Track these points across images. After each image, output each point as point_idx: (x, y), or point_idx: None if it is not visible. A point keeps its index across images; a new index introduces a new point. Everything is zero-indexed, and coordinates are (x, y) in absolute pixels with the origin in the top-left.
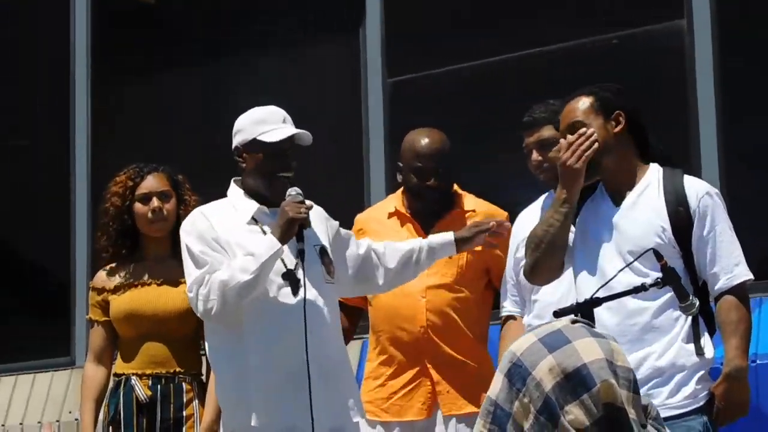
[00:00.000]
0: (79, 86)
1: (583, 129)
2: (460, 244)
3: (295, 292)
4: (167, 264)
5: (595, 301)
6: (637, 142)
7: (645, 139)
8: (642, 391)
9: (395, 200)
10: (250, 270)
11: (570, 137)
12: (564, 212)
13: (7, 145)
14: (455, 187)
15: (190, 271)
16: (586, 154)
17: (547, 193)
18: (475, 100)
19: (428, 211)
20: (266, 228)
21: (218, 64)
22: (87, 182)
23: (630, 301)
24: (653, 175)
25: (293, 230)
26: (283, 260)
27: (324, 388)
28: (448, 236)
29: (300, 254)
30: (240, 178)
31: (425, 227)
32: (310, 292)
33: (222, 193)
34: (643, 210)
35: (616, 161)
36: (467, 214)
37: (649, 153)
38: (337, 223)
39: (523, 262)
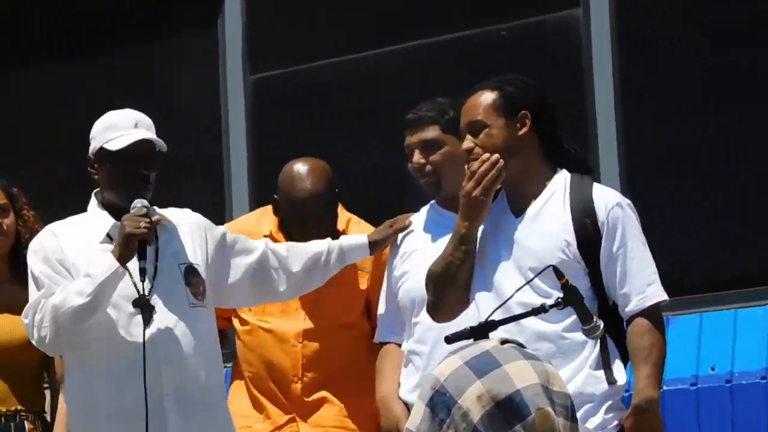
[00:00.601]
0: None
1: (487, 155)
2: (374, 246)
3: (147, 321)
4: (6, 288)
5: (490, 324)
6: (544, 145)
7: (554, 141)
8: None
9: (269, 222)
10: (86, 292)
11: (474, 165)
12: (465, 250)
13: None
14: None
15: (31, 294)
16: (493, 184)
17: (429, 205)
18: (349, 97)
19: (297, 226)
20: None
21: (62, 60)
22: None
23: (532, 324)
24: (560, 182)
25: (132, 247)
26: (134, 284)
27: (185, 429)
28: (362, 239)
29: (142, 273)
30: (99, 190)
31: None
32: (167, 319)
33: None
34: (546, 222)
35: (519, 167)
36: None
37: (559, 156)
38: (221, 229)
39: (402, 280)
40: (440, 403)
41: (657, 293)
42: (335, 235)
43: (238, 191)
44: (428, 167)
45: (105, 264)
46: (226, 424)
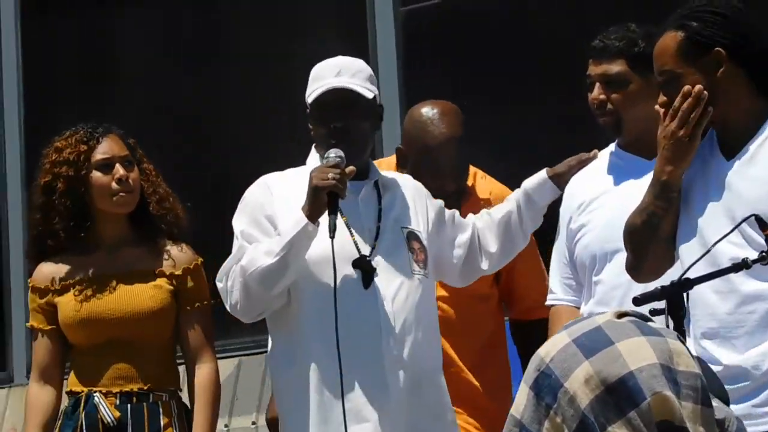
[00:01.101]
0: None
1: (688, 88)
2: (558, 180)
3: (366, 284)
4: (127, 252)
5: (685, 283)
6: (755, 78)
7: (766, 69)
8: (765, 394)
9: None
10: (274, 252)
11: (676, 102)
12: (668, 198)
13: None
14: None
15: (230, 256)
16: (699, 122)
17: (611, 147)
18: (504, 29)
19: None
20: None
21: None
22: (20, 155)
23: (745, 282)
24: None
25: (321, 201)
26: (356, 243)
27: (408, 404)
28: (542, 176)
29: (331, 229)
30: None
31: None
32: (389, 283)
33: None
34: (762, 166)
35: (727, 108)
36: (482, 203)
37: None
38: (439, 202)
39: (580, 234)
40: (546, 386)
41: None
42: (465, 189)
43: (390, 135)
44: (609, 105)
45: (294, 220)
46: (443, 399)
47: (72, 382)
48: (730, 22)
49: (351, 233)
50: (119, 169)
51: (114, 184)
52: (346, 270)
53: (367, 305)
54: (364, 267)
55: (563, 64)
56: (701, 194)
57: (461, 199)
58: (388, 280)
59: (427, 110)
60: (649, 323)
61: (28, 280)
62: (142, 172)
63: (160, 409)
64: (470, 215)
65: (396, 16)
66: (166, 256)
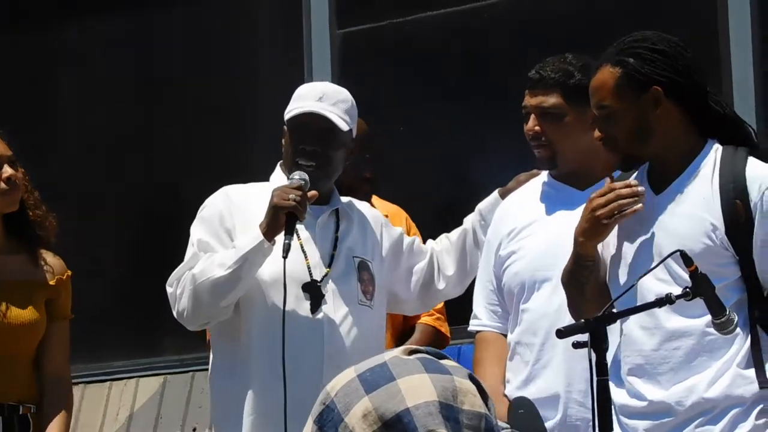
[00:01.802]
0: None
1: (634, 182)
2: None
3: (314, 309)
4: (4, 260)
5: (607, 317)
6: (689, 115)
7: (701, 108)
8: (689, 430)
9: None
10: (227, 264)
11: (614, 185)
12: (589, 266)
13: None
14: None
15: (182, 263)
16: (623, 214)
17: (544, 176)
18: (444, 54)
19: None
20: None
21: (135, 8)
22: None
23: (670, 319)
24: (709, 156)
25: (279, 220)
26: (308, 267)
27: None
28: (494, 196)
29: (285, 249)
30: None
31: None
32: (335, 311)
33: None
34: (691, 202)
35: (659, 144)
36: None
37: (710, 125)
38: (398, 230)
39: (509, 261)
40: (329, 420)
41: None
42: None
43: None
44: (543, 138)
45: (250, 235)
46: None
47: None
48: (668, 59)
49: (305, 257)
50: (7, 169)
51: (2, 184)
52: (296, 292)
53: (312, 330)
54: (313, 292)
55: (499, 87)
56: (630, 227)
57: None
58: (336, 308)
59: None
60: (443, 361)
61: None
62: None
63: (31, 421)
64: (429, 240)
65: (332, 38)
66: (43, 265)
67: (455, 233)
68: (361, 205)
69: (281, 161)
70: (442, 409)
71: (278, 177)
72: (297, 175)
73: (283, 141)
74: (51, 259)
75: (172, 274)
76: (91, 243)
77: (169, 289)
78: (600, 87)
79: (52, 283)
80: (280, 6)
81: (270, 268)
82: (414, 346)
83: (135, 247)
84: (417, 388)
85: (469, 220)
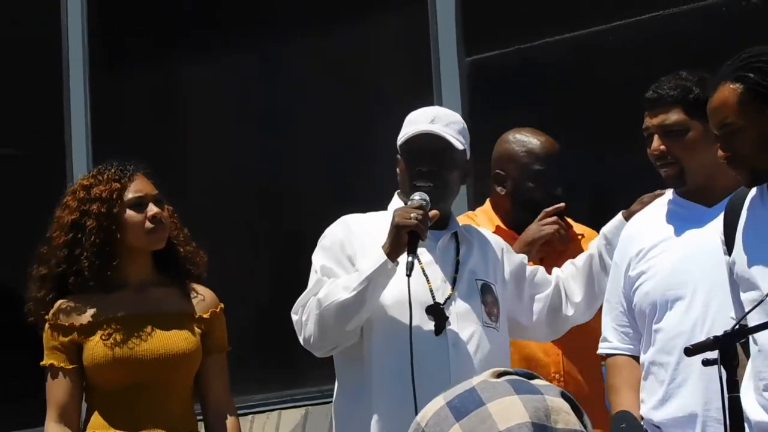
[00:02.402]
0: (75, 83)
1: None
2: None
3: (438, 331)
4: (155, 292)
5: (737, 333)
6: None
7: None
8: None
9: (488, 218)
10: (351, 287)
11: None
12: None
13: None
14: None
15: (306, 290)
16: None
17: (669, 194)
18: (573, 79)
19: (523, 221)
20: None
21: (259, 46)
22: None
23: None
24: None
25: (401, 240)
26: (431, 290)
27: None
28: (618, 218)
29: (409, 268)
30: None
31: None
32: (460, 332)
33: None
34: None
35: None
36: (579, 238)
37: None
38: (520, 257)
39: (640, 281)
40: None
41: None
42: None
43: None
44: (669, 156)
45: (373, 257)
46: None
47: (94, 425)
48: None
49: (427, 280)
50: (152, 207)
51: (148, 222)
52: (420, 315)
53: (437, 352)
54: (437, 314)
55: (633, 112)
56: (755, 244)
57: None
58: (460, 330)
59: (521, 131)
60: (533, 381)
61: (45, 317)
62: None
63: None
64: (555, 269)
65: (461, 66)
66: (194, 298)
67: (581, 258)
68: (481, 231)
69: (398, 191)
70: (536, 429)
71: (396, 205)
72: (417, 195)
73: (398, 170)
74: (203, 292)
75: (297, 301)
76: (228, 276)
77: (294, 317)
78: (722, 105)
79: (205, 315)
80: (406, 36)
81: (392, 290)
82: (503, 369)
83: (271, 280)
84: (507, 410)
85: (595, 245)
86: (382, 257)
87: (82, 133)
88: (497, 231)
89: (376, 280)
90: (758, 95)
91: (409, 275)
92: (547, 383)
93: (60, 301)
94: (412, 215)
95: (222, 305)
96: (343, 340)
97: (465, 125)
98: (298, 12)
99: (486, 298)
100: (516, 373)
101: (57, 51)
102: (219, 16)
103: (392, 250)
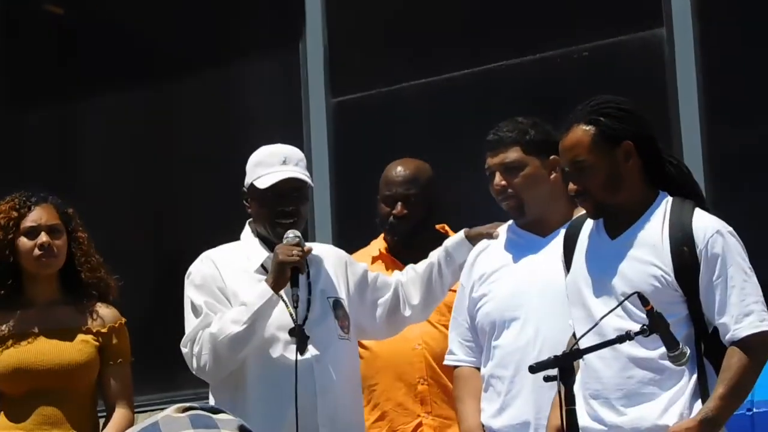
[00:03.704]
0: None
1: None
2: (474, 242)
3: (301, 350)
4: (56, 310)
5: (575, 353)
6: (647, 169)
7: (658, 164)
8: None
9: (379, 243)
10: (242, 320)
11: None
12: None
13: None
14: (445, 228)
15: (189, 324)
16: None
17: (509, 223)
18: (429, 120)
19: (405, 246)
20: None
21: (146, 86)
22: None
23: (627, 351)
24: (660, 206)
25: (285, 275)
26: (291, 314)
27: None
28: (459, 235)
29: (295, 300)
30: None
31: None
32: (320, 349)
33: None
34: (642, 248)
35: (622, 197)
36: None
37: (661, 178)
38: (362, 266)
39: (482, 302)
40: None
41: (754, 323)
42: (430, 232)
43: (322, 216)
44: (510, 190)
45: (259, 291)
46: None
47: (2, 426)
48: (634, 116)
49: (286, 305)
50: (43, 236)
51: (36, 250)
52: (284, 338)
53: (303, 368)
54: (299, 335)
55: (475, 149)
56: (587, 269)
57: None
58: (320, 346)
59: (395, 161)
60: (218, 415)
61: None
62: (75, 240)
63: None
64: (396, 272)
65: (328, 107)
66: (93, 315)
67: (421, 265)
68: (324, 248)
69: (250, 220)
70: None
71: (248, 235)
72: (291, 233)
73: (246, 202)
74: (103, 310)
75: (185, 336)
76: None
77: (184, 350)
78: (575, 144)
79: (103, 330)
80: (277, 78)
81: None
82: (189, 404)
83: (153, 295)
84: None
85: (436, 255)
86: (268, 291)
87: None
88: (378, 256)
89: (264, 313)
90: (608, 138)
91: (296, 307)
92: (231, 418)
93: None
94: (294, 252)
95: (123, 320)
96: (234, 367)
97: (304, 156)
98: (184, 54)
99: (338, 312)
100: (202, 408)
101: None
102: (111, 54)
103: (276, 284)
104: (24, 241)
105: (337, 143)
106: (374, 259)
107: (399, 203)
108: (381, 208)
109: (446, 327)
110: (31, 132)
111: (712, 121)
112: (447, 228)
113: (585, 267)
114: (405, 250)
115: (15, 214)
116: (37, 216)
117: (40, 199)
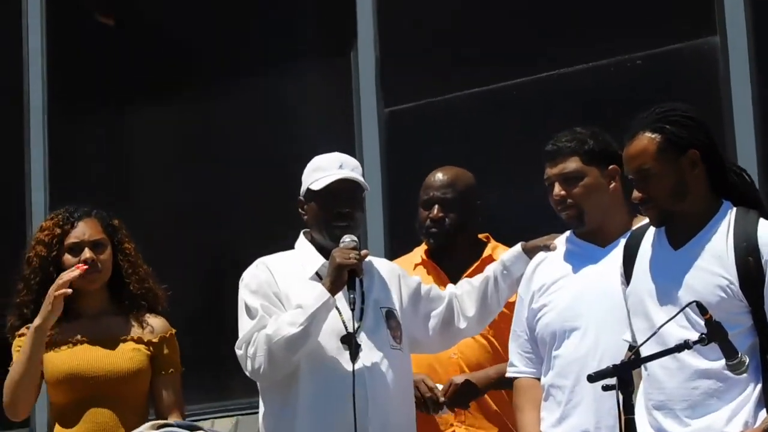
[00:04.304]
0: (34, 122)
1: None
2: (531, 255)
3: (353, 358)
4: (106, 321)
5: (634, 362)
6: (711, 178)
7: (721, 172)
8: None
9: (420, 250)
10: (298, 322)
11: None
12: None
13: None
14: (489, 237)
15: (243, 327)
16: None
17: (564, 236)
18: (482, 129)
19: (443, 249)
20: None
21: (196, 95)
22: None
23: (691, 361)
24: (724, 216)
25: (342, 277)
26: (344, 321)
27: None
28: (516, 249)
29: (352, 303)
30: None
31: (453, 277)
32: (371, 357)
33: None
34: (707, 258)
35: (690, 203)
36: None
37: (725, 187)
38: (416, 279)
39: (541, 313)
40: None
41: None
42: (472, 240)
43: (374, 225)
44: (569, 200)
45: (316, 294)
46: None
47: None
48: (699, 125)
49: (339, 312)
50: (86, 252)
51: (81, 265)
52: (336, 345)
53: (355, 376)
54: (350, 342)
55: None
56: (650, 280)
57: (477, 254)
58: (371, 355)
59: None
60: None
61: (16, 333)
62: (122, 252)
63: None
64: (450, 285)
65: (380, 117)
66: (144, 325)
67: (478, 278)
68: (379, 261)
69: (304, 230)
70: None
71: (303, 244)
72: (347, 238)
73: (302, 211)
74: (153, 320)
75: (240, 338)
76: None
77: (239, 352)
78: (641, 152)
79: (154, 339)
80: (330, 87)
81: None
82: (165, 421)
83: (204, 303)
84: None
85: (491, 268)
86: (325, 294)
87: (40, 171)
88: (420, 262)
89: (320, 315)
90: (674, 146)
91: (353, 309)
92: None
93: (27, 326)
94: (351, 255)
95: (173, 331)
96: (288, 369)
97: (360, 165)
98: (233, 63)
99: (390, 323)
100: (179, 426)
101: (19, 99)
102: (162, 65)
103: (333, 287)
104: (68, 258)
105: (389, 153)
106: (416, 266)
107: (436, 206)
108: (420, 212)
109: (483, 337)
110: (81, 141)
111: (767, 129)
112: (490, 237)
113: (648, 278)
114: (445, 256)
115: (58, 230)
116: (80, 232)
117: (84, 213)
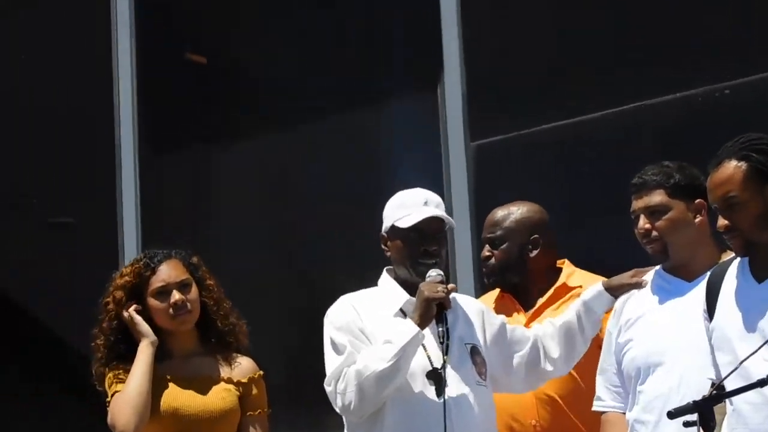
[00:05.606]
0: (125, 159)
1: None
2: (613, 293)
3: (439, 393)
4: (197, 361)
5: (715, 397)
6: None
7: None
8: None
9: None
10: (388, 357)
11: None
12: None
13: (49, 223)
14: (561, 262)
15: (331, 363)
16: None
17: (653, 270)
18: (568, 161)
19: (519, 283)
20: None
21: (284, 132)
22: None
23: None
24: None
25: (431, 312)
26: (429, 357)
27: None
28: (598, 287)
29: (441, 335)
30: (392, 267)
31: (525, 304)
32: (457, 393)
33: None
34: None
35: None
36: (574, 290)
37: None
38: (500, 318)
39: (627, 347)
40: None
41: None
42: (542, 270)
43: (463, 258)
44: (654, 233)
45: (405, 328)
46: None
47: None
48: None
49: (424, 348)
50: (175, 294)
51: (171, 309)
52: (422, 380)
53: (440, 412)
54: (436, 378)
55: (620, 193)
56: (734, 314)
57: (550, 282)
58: (457, 391)
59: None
60: None
61: (104, 374)
62: (205, 289)
63: None
64: (535, 324)
65: (467, 151)
66: (233, 365)
67: (560, 319)
68: (463, 298)
69: (387, 267)
70: None
71: (387, 280)
72: (434, 272)
73: (386, 247)
74: (242, 360)
75: (329, 374)
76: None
77: (328, 388)
78: (726, 180)
79: (243, 380)
80: (418, 121)
81: None
82: None
83: (294, 340)
84: None
85: (573, 308)
86: (414, 329)
87: (132, 205)
88: (498, 296)
89: (409, 350)
90: (760, 173)
91: (442, 342)
92: None
93: (116, 364)
94: (439, 288)
95: (261, 372)
96: (379, 405)
97: (442, 202)
98: (320, 100)
99: (475, 359)
100: None
101: (110, 132)
102: (249, 102)
103: (422, 321)
104: (155, 303)
105: (477, 187)
106: (495, 300)
107: (486, 246)
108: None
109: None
110: (169, 176)
111: None
112: (568, 262)
113: (732, 312)
114: (519, 286)
115: (137, 280)
116: (165, 275)
117: (164, 256)
